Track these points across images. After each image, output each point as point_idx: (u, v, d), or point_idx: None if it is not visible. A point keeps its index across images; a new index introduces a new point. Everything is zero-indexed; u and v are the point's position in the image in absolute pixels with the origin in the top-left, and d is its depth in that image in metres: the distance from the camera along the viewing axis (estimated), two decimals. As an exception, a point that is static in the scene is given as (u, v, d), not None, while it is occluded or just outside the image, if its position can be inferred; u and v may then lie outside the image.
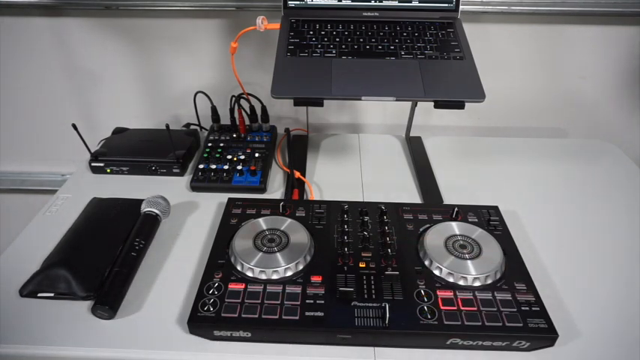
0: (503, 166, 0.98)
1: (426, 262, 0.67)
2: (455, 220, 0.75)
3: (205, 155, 0.94)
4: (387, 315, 0.58)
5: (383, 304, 0.59)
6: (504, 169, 0.97)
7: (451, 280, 0.64)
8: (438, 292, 0.62)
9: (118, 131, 1.01)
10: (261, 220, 0.73)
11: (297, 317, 0.59)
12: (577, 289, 0.69)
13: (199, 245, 0.76)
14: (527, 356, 0.59)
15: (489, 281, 0.64)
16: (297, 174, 0.91)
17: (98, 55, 1.09)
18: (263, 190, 0.89)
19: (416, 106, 1.00)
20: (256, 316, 0.59)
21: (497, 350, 0.59)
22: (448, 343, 0.59)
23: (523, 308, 0.60)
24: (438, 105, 0.74)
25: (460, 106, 0.74)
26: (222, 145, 0.97)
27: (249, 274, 0.64)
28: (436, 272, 0.65)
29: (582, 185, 0.92)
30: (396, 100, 0.74)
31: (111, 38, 1.07)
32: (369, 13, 0.86)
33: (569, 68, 1.08)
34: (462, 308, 0.60)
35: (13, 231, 0.79)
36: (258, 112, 1.00)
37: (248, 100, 0.98)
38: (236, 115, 0.99)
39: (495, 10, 0.98)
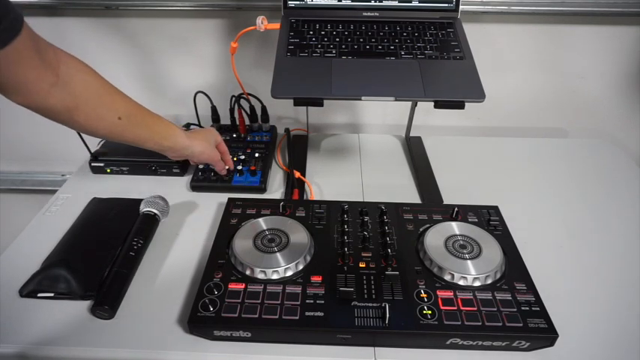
0: (503, 166, 0.98)
1: (426, 262, 0.67)
2: (455, 220, 0.75)
3: (205, 155, 0.94)
4: (387, 315, 0.58)
5: (383, 304, 0.59)
6: (504, 169, 0.97)
7: (451, 280, 0.64)
8: (438, 292, 0.62)
9: (118, 131, 1.01)
10: (261, 220, 0.73)
11: (297, 317, 0.59)
12: (577, 288, 0.69)
13: (199, 245, 0.76)
14: (527, 356, 0.59)
15: (489, 281, 0.64)
16: (297, 174, 0.91)
17: (98, 55, 1.09)
18: (263, 190, 0.89)
19: (416, 106, 1.00)
20: (256, 316, 0.59)
21: (497, 350, 0.59)
22: (448, 343, 0.59)
23: (523, 308, 0.60)
24: (438, 105, 0.74)
25: (460, 106, 0.74)
26: (222, 145, 0.97)
27: (249, 274, 0.64)
28: (436, 272, 0.65)
29: (582, 185, 0.92)
30: (396, 100, 0.74)
31: (111, 38, 1.07)
32: (369, 13, 0.86)
33: (569, 68, 1.08)
34: (462, 308, 0.60)
35: (13, 231, 0.79)
36: (258, 112, 1.00)
37: (248, 100, 0.98)
38: (236, 115, 0.99)
39: (495, 10, 0.98)
